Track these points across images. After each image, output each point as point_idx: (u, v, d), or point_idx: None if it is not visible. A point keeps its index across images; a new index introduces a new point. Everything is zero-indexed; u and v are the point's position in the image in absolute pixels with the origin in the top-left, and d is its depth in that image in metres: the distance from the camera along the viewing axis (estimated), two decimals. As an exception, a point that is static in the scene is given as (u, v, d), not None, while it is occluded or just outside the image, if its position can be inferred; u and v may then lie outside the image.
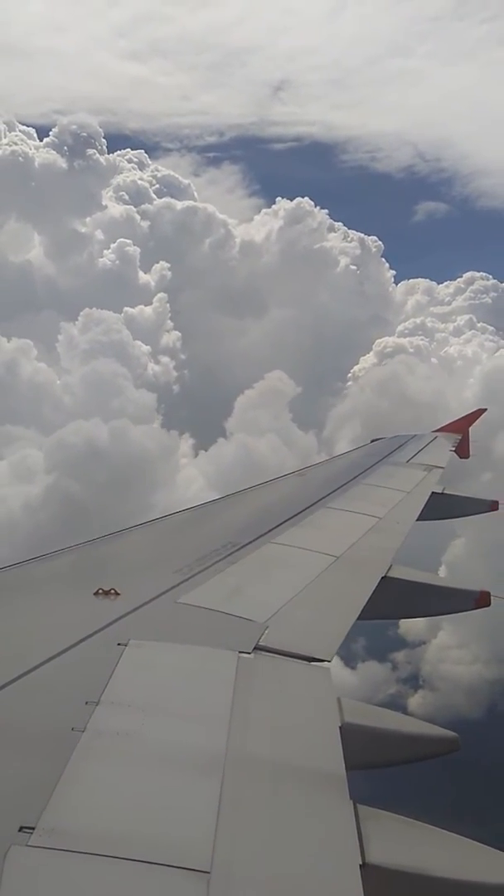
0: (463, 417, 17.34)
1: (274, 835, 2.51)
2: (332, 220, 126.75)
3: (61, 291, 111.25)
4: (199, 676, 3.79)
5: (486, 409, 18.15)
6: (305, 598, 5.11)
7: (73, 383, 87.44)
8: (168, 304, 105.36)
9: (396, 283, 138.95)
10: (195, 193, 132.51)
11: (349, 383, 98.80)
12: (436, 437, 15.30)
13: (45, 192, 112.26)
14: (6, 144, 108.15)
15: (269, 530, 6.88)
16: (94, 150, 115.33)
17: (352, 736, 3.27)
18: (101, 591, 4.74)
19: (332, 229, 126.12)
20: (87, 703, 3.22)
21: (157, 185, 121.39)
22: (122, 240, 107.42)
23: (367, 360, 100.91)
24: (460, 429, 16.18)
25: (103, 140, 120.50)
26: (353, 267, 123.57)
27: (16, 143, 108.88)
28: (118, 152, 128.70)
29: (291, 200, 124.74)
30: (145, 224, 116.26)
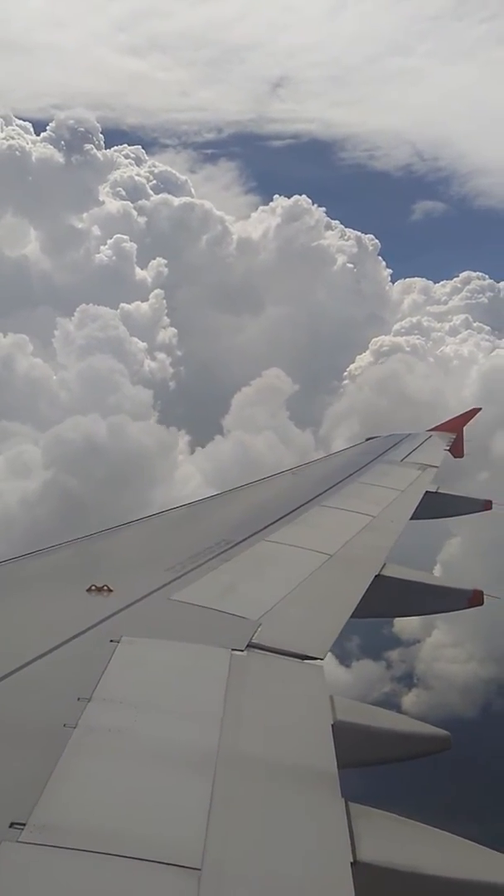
0: (457, 417, 17.38)
1: (265, 832, 2.51)
2: (329, 218, 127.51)
3: (57, 287, 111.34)
4: (192, 673, 3.79)
5: (480, 409, 18.24)
6: (299, 596, 5.11)
7: (70, 379, 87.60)
8: (164, 301, 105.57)
9: (393, 281, 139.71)
10: (192, 190, 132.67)
11: (345, 381, 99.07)
12: (430, 437, 15.31)
13: (42, 187, 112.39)
14: (3, 139, 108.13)
15: (263, 528, 6.87)
16: (92, 146, 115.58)
17: (344, 734, 3.27)
18: (94, 588, 4.73)
19: (329, 227, 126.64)
20: (79, 699, 3.21)
21: (155, 181, 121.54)
22: (118, 236, 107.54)
23: (364, 358, 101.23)
24: (455, 428, 16.21)
25: (100, 135, 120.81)
26: (350, 265, 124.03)
27: (13, 138, 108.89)
28: (115, 148, 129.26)
29: (289, 198, 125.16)
30: (142, 220, 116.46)
